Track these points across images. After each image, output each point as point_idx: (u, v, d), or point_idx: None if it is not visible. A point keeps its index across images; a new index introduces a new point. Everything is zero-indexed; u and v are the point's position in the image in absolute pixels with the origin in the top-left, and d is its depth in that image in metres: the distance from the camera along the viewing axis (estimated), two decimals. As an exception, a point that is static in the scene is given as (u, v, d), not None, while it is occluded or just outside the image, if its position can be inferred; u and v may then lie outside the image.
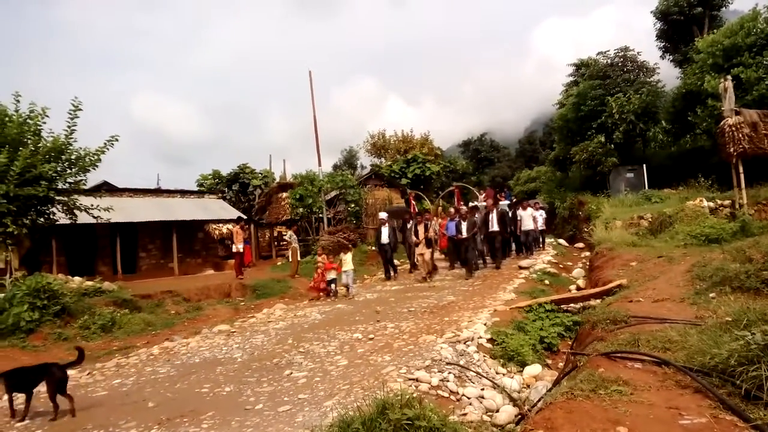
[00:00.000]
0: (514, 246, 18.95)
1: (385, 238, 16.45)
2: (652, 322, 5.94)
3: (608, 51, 27.31)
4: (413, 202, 25.51)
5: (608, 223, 17.40)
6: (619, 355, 4.85)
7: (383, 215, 17.68)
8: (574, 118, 25.99)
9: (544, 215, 21.20)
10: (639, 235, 15.39)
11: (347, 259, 14.10)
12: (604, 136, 24.27)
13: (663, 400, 3.68)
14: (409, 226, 16.91)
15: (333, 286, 14.00)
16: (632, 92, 23.98)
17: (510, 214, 18.02)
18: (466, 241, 14.97)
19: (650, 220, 16.83)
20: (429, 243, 15.56)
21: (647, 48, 31.23)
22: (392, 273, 16.81)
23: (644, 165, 23.79)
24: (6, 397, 6.25)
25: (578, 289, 12.57)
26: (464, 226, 14.96)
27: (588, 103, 24.84)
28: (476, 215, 16.28)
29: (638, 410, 3.53)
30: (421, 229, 15.76)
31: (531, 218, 18.05)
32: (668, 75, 28.85)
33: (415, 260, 16.75)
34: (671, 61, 30.93)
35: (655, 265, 10.74)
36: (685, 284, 7.89)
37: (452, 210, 18.59)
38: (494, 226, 16.04)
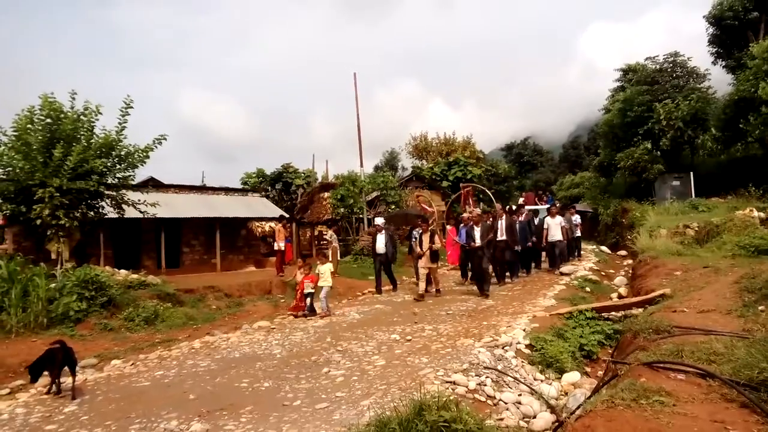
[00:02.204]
0: (533, 263, 16.94)
1: (380, 246, 14.49)
2: (696, 333, 5.81)
3: (657, 56, 26.80)
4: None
5: (653, 231, 17.02)
6: (661, 365, 4.77)
7: (379, 221, 15.76)
8: (620, 123, 25.55)
9: (579, 221, 18.98)
10: (684, 245, 15.00)
11: (324, 272, 11.97)
12: (650, 143, 23.79)
13: (707, 413, 3.61)
14: (416, 233, 13.91)
15: (309, 300, 11.90)
16: (681, 98, 23.42)
17: (535, 222, 16.66)
18: (479, 251, 12.61)
19: (696, 229, 16.40)
20: (435, 256, 13.41)
21: (698, 53, 30.56)
22: (381, 288, 14.76)
23: (691, 173, 23.22)
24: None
25: (620, 297, 12.34)
26: (477, 232, 12.72)
27: (635, 109, 24.38)
28: (501, 220, 14.29)
29: (681, 422, 3.47)
30: (425, 238, 13.27)
31: (558, 227, 15.99)
32: (720, 81, 28.13)
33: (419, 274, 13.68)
34: (723, 66, 30.02)
35: (700, 275, 10.48)
36: (733, 296, 7.67)
37: (465, 216, 15.79)
38: (502, 235, 14.01)
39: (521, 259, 15.79)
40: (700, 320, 6.53)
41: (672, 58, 26.07)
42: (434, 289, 13.53)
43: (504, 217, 14.49)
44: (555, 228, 15.95)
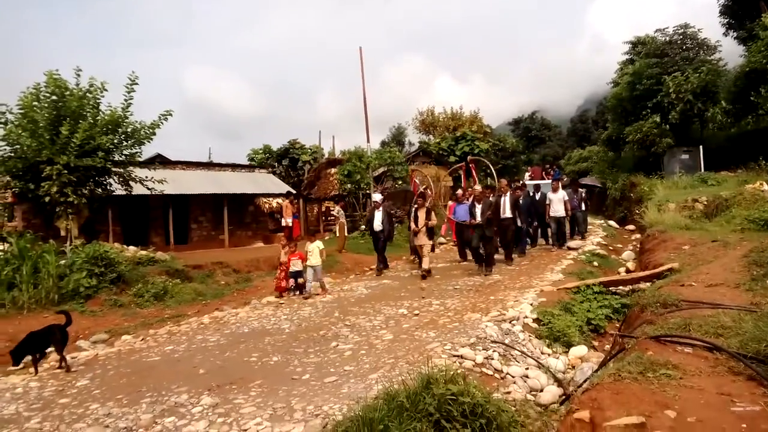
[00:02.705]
0: (529, 238, 16.23)
1: (378, 224, 13.70)
2: (704, 306, 5.81)
3: (667, 28, 26.40)
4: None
5: (661, 206, 16.92)
6: (668, 338, 4.78)
7: (377, 197, 15.11)
8: (629, 97, 25.26)
9: (584, 195, 17.73)
10: (693, 219, 14.92)
11: (313, 250, 11.30)
12: (659, 116, 23.53)
13: (714, 386, 3.63)
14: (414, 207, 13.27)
15: (300, 280, 11.52)
16: (691, 71, 23.10)
17: (537, 197, 16.03)
18: (480, 229, 12.03)
19: (705, 203, 16.29)
20: (431, 232, 12.92)
21: (708, 25, 29.95)
22: (381, 266, 14.11)
23: (701, 146, 22.98)
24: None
25: (628, 271, 12.32)
26: (478, 209, 12.09)
27: (644, 82, 24.09)
28: (506, 196, 13.67)
29: (688, 395, 3.49)
30: (421, 214, 12.68)
31: (561, 202, 15.18)
32: (731, 53, 27.72)
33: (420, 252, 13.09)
34: (735, 38, 29.52)
35: (709, 249, 10.43)
36: (741, 270, 7.65)
37: (460, 192, 15.54)
38: (506, 213, 13.45)
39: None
40: (708, 294, 6.53)
41: (682, 30, 25.70)
42: (424, 268, 12.49)
43: (508, 193, 13.88)
44: (557, 203, 15.26)
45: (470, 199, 12.95)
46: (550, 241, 16.16)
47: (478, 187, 13.07)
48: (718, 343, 4.39)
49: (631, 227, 20.03)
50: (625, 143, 26.16)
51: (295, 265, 11.40)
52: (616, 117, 28.00)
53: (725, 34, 29.76)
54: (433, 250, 14.06)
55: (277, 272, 12.12)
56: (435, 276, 12.57)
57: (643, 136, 23.49)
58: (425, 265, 12.48)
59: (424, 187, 19.54)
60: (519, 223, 14.28)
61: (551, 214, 15.30)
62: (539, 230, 16.90)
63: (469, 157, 25.02)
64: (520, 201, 14.50)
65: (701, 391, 3.54)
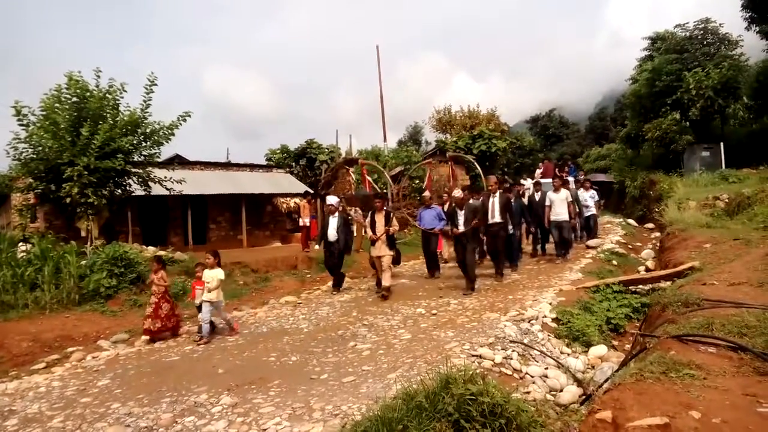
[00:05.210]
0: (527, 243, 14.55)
1: (332, 233, 11.38)
2: (727, 306, 5.72)
3: (687, 23, 26.09)
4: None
5: (681, 204, 16.73)
6: (691, 338, 4.71)
7: (332, 200, 12.18)
8: (648, 93, 24.97)
9: (596, 197, 16.15)
10: (714, 217, 14.74)
11: (211, 281, 8.33)
12: (679, 113, 23.27)
13: (739, 386, 3.57)
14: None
15: (202, 314, 8.41)
16: (711, 67, 22.80)
17: (536, 199, 13.59)
18: (464, 239, 10.15)
19: (727, 200, 16.09)
20: (391, 241, 10.83)
21: (730, 19, 29.51)
22: (337, 284, 11.83)
23: (721, 143, 22.65)
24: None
25: (647, 270, 12.19)
26: (461, 216, 10.13)
27: (663, 79, 23.81)
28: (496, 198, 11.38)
29: (712, 395, 3.44)
30: (379, 219, 10.72)
31: (564, 204, 12.79)
32: (753, 47, 27.20)
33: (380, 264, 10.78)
34: (757, 32, 28.98)
35: (731, 247, 10.30)
36: (765, 268, 7.53)
37: (427, 194, 13.49)
38: (495, 217, 11.25)
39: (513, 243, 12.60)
40: (731, 293, 6.43)
41: (703, 25, 25.39)
42: (383, 286, 10.50)
43: (498, 193, 11.51)
44: (560, 205, 12.84)
45: (448, 205, 11.49)
46: (554, 250, 13.65)
47: (458, 192, 10.73)
48: (743, 342, 4.33)
49: (651, 225, 19.82)
50: (644, 141, 25.89)
51: (199, 296, 8.57)
52: (635, 114, 27.72)
53: (747, 29, 29.18)
54: (397, 262, 12.36)
55: (150, 304, 8.76)
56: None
57: (663, 133, 23.23)
58: (385, 281, 10.48)
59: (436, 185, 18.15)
60: (511, 229, 12.14)
61: (552, 217, 12.87)
62: (539, 238, 14.42)
63: (448, 154, 24.17)
64: (512, 202, 12.24)
65: (726, 392, 3.48)
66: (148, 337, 8.54)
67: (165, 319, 8.67)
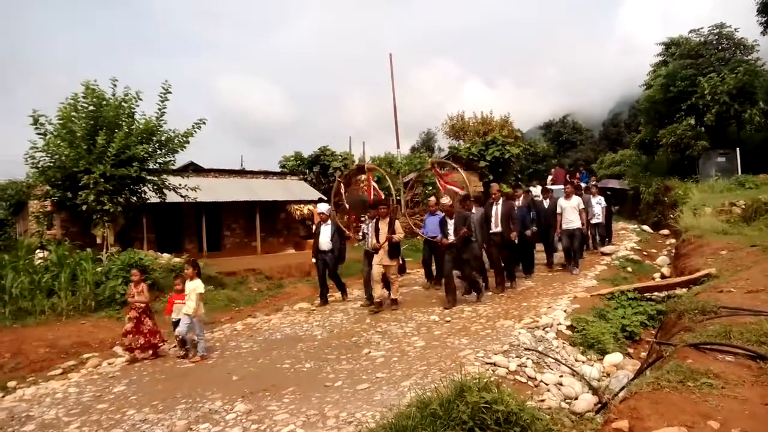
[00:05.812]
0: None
1: (325, 242, 10.79)
2: (745, 313, 5.66)
3: (701, 28, 25.84)
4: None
5: (696, 210, 16.58)
6: (709, 346, 4.66)
7: (324, 207, 11.78)
8: (662, 99, 24.78)
9: (604, 203, 15.65)
10: (730, 223, 14.59)
11: (190, 293, 7.87)
12: (694, 119, 23.06)
13: (758, 396, 3.53)
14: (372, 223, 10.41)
15: (178, 330, 7.84)
16: (727, 72, 22.58)
17: (544, 206, 13.00)
18: (453, 250, 9.63)
19: (743, 207, 15.91)
20: (395, 250, 10.09)
21: (746, 24, 29.29)
22: (327, 296, 11.24)
23: (737, 149, 22.41)
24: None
25: (663, 277, 12.10)
26: (450, 225, 9.68)
27: (678, 84, 23.63)
28: (501, 206, 10.97)
29: (731, 405, 3.40)
30: (383, 226, 10.00)
31: (576, 212, 12.20)
32: (769, 53, 27.03)
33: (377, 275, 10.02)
34: (773, 37, 28.92)
35: (748, 254, 10.19)
36: (783, 275, 7.46)
37: (432, 199, 12.67)
38: (498, 226, 10.82)
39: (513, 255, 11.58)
40: (749, 300, 6.36)
41: (717, 30, 25.17)
42: (390, 298, 10.18)
43: (501, 201, 11.16)
44: (571, 212, 12.23)
45: (437, 213, 10.99)
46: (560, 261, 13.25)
47: (446, 200, 10.16)
48: (762, 351, 4.27)
49: (666, 232, 19.66)
50: (659, 146, 25.70)
51: (176, 311, 8.22)
52: (649, 120, 27.53)
53: (763, 33, 29.02)
54: (402, 271, 11.69)
55: (130, 319, 8.11)
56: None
57: (678, 139, 23.03)
58: (394, 293, 10.12)
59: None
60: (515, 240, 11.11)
61: (563, 226, 12.27)
62: (547, 248, 13.60)
63: (430, 160, 23.61)
64: (515, 211, 11.37)
65: (745, 402, 3.44)
66: (130, 355, 7.96)
67: (149, 334, 8.04)
